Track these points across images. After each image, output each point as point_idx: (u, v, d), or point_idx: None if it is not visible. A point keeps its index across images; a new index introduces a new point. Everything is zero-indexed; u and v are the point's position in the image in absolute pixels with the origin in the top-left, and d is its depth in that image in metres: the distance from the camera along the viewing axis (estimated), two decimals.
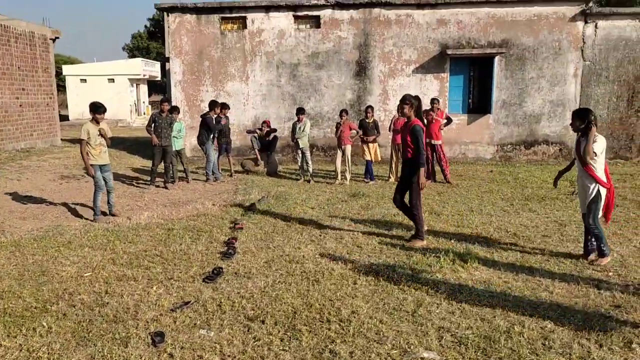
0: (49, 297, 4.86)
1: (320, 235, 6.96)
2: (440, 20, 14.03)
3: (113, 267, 5.68)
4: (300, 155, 11.29)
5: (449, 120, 11.35)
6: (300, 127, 11.05)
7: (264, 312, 4.52)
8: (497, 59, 13.89)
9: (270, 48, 14.39)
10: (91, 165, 7.69)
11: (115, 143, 18.21)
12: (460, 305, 4.60)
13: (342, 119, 10.81)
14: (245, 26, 14.37)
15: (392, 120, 11.11)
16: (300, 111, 11.13)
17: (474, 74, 14.67)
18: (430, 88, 14.20)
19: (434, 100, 10.99)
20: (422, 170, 6.25)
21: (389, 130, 11.33)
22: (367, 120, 11.00)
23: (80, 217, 8.14)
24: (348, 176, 11.01)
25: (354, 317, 4.40)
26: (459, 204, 8.88)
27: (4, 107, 15.25)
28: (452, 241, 6.59)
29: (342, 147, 10.86)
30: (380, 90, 14.43)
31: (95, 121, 7.71)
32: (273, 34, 14.33)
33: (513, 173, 12.32)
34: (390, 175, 11.22)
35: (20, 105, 16.29)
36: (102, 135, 7.72)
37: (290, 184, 11.01)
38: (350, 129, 10.92)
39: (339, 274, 5.47)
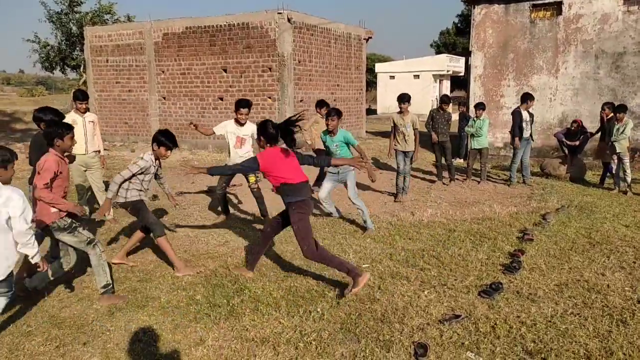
0: (329, 283, 5.06)
1: (635, 263, 5.59)
2: None
3: (389, 262, 5.64)
4: (617, 160, 9.47)
5: None
6: (619, 128, 9.25)
7: (548, 347, 3.77)
8: None
9: (588, 36, 12.52)
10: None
11: None
12: None
13: None
14: (559, 12, 12.84)
15: None
16: (622, 109, 9.32)
17: None
18: None
19: None
20: None
21: None
22: None
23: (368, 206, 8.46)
24: None
25: None
26: None
27: None
28: None
29: None
30: None
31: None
32: (594, 19, 12.41)
33: None
34: None
35: (335, 100, 18.22)
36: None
37: (600, 194, 9.33)
38: None
39: None
